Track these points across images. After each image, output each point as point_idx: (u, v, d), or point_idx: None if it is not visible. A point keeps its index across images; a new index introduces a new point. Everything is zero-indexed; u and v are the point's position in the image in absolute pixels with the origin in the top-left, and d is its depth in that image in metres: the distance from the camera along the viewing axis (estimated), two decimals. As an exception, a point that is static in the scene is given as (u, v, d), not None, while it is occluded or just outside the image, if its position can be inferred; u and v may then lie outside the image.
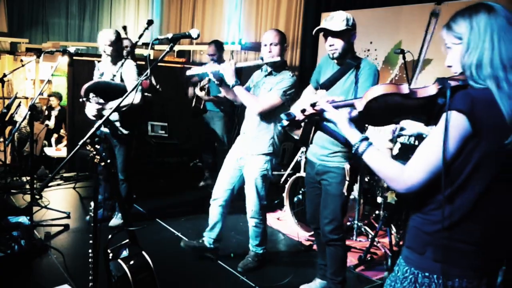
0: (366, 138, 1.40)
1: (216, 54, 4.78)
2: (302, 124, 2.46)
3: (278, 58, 2.90)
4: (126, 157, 3.69)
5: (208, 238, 3.28)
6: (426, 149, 1.25)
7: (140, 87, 3.41)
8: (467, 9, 1.28)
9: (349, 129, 1.46)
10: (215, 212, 3.22)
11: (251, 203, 3.08)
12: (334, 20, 2.41)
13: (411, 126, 2.03)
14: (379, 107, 1.39)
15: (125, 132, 3.61)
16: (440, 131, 1.21)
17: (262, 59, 2.94)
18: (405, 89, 1.34)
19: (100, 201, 4.07)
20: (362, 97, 1.42)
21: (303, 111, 1.56)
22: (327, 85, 2.47)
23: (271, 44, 2.90)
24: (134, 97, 3.33)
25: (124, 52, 3.97)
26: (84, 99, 3.43)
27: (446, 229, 1.25)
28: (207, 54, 4.91)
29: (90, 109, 3.44)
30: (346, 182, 2.50)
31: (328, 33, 2.44)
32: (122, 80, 3.56)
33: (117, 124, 3.59)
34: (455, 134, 1.20)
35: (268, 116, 2.94)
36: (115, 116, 3.55)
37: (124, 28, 5.13)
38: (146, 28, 2.13)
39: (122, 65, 3.60)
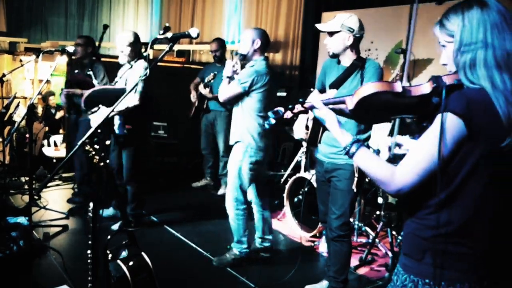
0: (357, 140, 1.35)
1: (219, 50, 4.96)
2: (306, 123, 2.47)
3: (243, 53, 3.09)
4: (131, 159, 3.64)
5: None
6: (417, 151, 1.21)
7: (141, 87, 3.38)
8: (459, 5, 1.23)
9: (338, 129, 1.40)
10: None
11: (228, 194, 3.15)
12: (333, 20, 2.55)
13: (407, 143, 2.02)
14: (370, 105, 1.34)
15: (121, 133, 3.56)
16: (434, 133, 1.17)
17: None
18: (398, 87, 1.28)
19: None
20: (353, 94, 1.36)
21: (291, 108, 1.54)
22: (335, 85, 2.54)
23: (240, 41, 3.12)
24: (129, 100, 3.33)
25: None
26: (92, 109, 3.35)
27: (443, 234, 1.21)
28: (210, 51, 5.02)
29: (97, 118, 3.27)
30: (355, 179, 2.55)
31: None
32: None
33: (116, 125, 3.55)
34: (449, 137, 1.16)
35: (232, 104, 3.15)
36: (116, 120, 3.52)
37: (105, 27, 5.15)
38: (164, 33, 2.13)
39: (131, 66, 3.52)
